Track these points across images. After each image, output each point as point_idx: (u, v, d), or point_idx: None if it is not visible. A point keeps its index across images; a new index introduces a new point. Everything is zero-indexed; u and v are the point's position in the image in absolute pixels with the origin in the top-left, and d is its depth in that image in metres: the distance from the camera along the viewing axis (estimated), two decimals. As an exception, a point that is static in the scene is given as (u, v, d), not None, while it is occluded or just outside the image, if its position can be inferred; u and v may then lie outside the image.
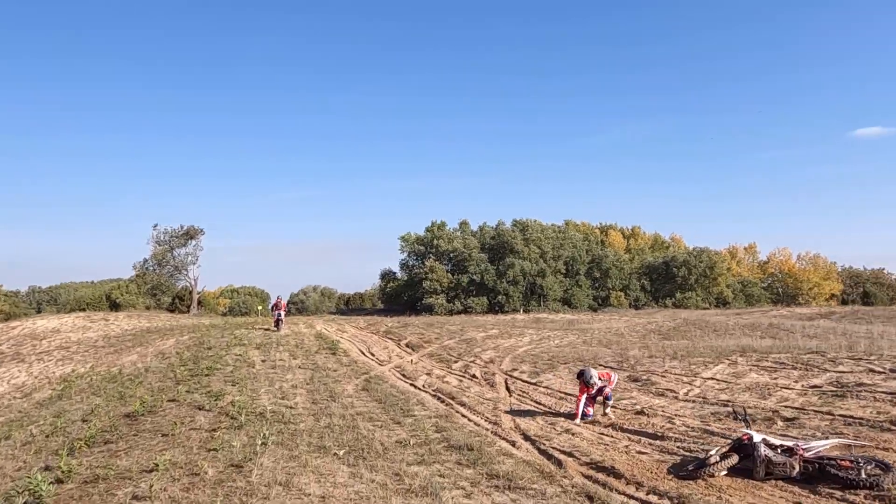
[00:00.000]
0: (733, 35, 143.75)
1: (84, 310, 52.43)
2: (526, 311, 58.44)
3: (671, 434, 9.39)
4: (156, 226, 62.42)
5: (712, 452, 7.28)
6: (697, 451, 8.43)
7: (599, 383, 10.87)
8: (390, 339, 25.52)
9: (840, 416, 9.40)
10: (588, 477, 7.41)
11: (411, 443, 9.45)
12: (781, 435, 8.36)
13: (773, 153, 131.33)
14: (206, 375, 16.22)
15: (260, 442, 9.19)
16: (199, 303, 61.78)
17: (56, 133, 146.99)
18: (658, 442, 9.11)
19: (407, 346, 23.45)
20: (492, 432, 10.27)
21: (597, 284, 68.93)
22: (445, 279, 64.06)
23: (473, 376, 16.79)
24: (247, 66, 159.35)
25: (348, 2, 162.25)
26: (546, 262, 65.15)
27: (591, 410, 11.07)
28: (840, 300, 79.14)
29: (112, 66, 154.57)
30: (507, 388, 14.83)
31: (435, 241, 67.33)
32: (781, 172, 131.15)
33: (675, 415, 10.64)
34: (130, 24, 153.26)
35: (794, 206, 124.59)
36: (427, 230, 69.82)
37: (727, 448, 7.46)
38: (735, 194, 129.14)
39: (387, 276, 74.41)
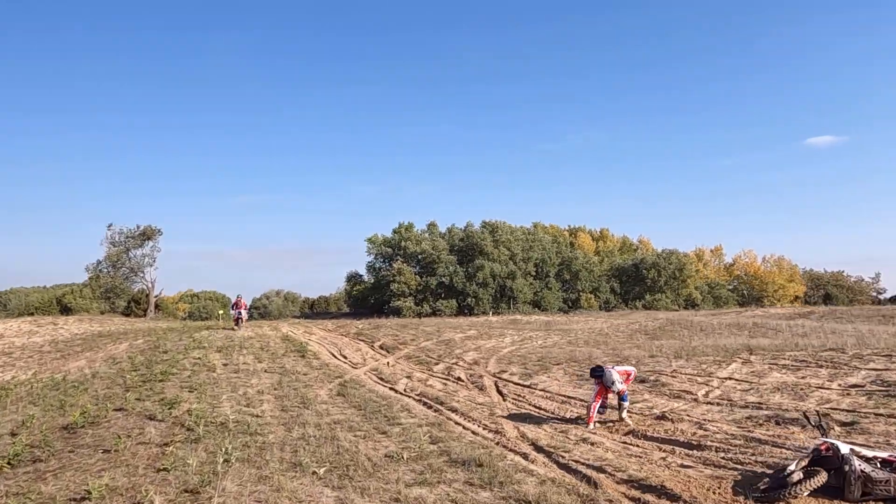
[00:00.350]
0: (699, 40, 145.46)
1: (32, 314, 49.28)
2: (496, 314, 57.20)
3: (709, 443, 8.06)
4: (110, 226, 59.02)
5: (791, 468, 5.91)
6: (750, 462, 7.11)
7: (620, 386, 9.55)
8: (362, 341, 23.87)
9: None
10: (636, 500, 5.99)
11: (405, 457, 7.93)
12: (867, 445, 7.07)
13: (735, 159, 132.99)
14: (161, 381, 14.43)
15: (222, 459, 7.57)
16: (157, 307, 58.82)
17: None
18: (697, 452, 7.76)
19: (381, 348, 21.85)
20: (496, 443, 8.81)
21: (567, 286, 68.16)
22: (414, 281, 62.43)
23: (458, 379, 15.32)
24: (215, 59, 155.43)
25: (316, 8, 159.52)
26: (516, 264, 64.05)
27: (599, 407, 9.95)
28: (803, 301, 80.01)
29: (55, 65, 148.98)
30: (500, 392, 13.40)
31: (403, 243, 65.64)
32: (742, 177, 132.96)
33: (704, 419, 9.33)
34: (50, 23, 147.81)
35: (756, 209, 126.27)
36: (394, 232, 68.11)
37: (806, 462, 6.10)
38: (700, 197, 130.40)
39: (353, 278, 72.41)
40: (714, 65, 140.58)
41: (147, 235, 57.86)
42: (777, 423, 8.64)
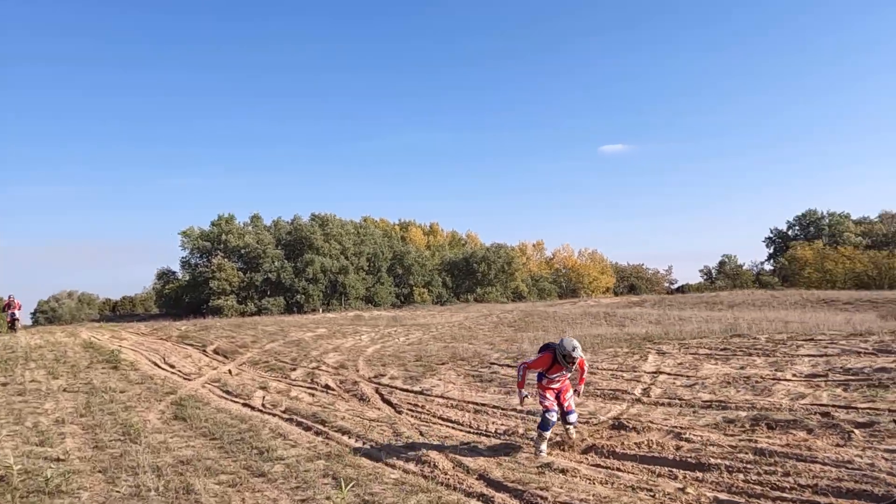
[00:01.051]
0: (510, 45, 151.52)
1: None
2: (328, 311, 53.91)
3: (712, 461, 6.28)
4: None
5: None
6: (795, 488, 5.38)
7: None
8: (190, 345, 19.89)
9: None
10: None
11: (318, 521, 5.21)
12: None
13: (548, 161, 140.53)
14: None
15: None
16: None
17: None
18: (711, 477, 5.93)
19: (216, 353, 18.17)
20: (435, 480, 6.34)
21: (399, 281, 66.58)
22: (236, 278, 57.02)
23: (328, 388, 12.54)
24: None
25: None
26: (348, 258, 61.09)
27: (553, 410, 7.19)
28: (613, 292, 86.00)
29: None
30: (388, 402, 10.89)
31: (223, 237, 59.67)
32: (555, 178, 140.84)
33: (674, 427, 7.60)
34: None
35: (569, 207, 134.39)
36: (213, 224, 61.72)
37: None
38: (519, 197, 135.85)
39: (165, 276, 64.75)
40: (526, 72, 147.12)
41: None
42: (770, 427, 7.13)
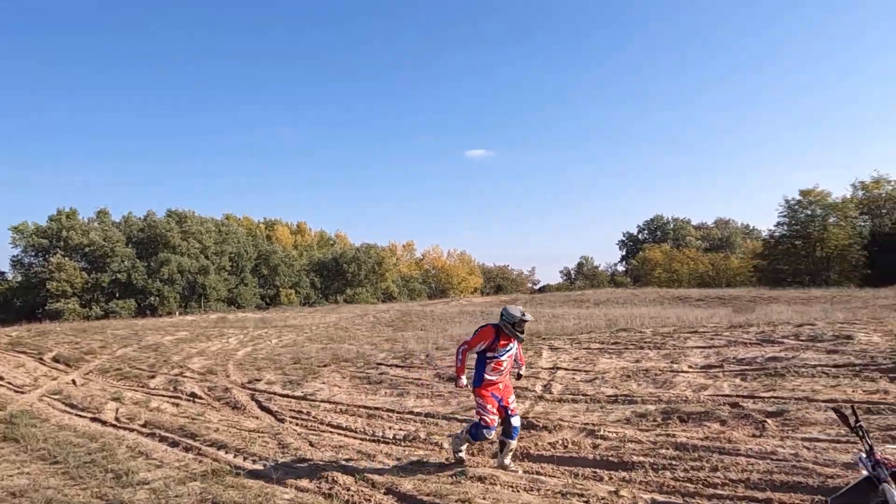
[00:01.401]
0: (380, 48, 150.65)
1: None
2: (185, 314, 50.17)
3: (634, 458, 5.95)
4: None
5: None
6: (727, 484, 5.12)
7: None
8: (23, 353, 17.27)
9: (837, 401, 7.08)
10: None
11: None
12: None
13: (416, 167, 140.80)
14: None
15: None
16: None
17: None
18: (635, 474, 5.58)
19: (57, 361, 15.85)
20: (340, 500, 5.50)
21: (264, 282, 63.65)
22: (79, 279, 51.72)
23: (195, 396, 11.14)
24: None
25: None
26: (208, 258, 57.42)
27: (493, 427, 6.11)
28: (481, 293, 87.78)
29: None
30: (267, 410, 9.77)
31: (64, 233, 53.84)
32: (422, 182, 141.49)
33: (585, 424, 7.22)
34: None
35: (436, 210, 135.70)
36: (52, 220, 55.45)
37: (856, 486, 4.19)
38: (389, 198, 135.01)
39: (-10, 277, 57.46)
40: (393, 78, 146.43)
41: None
42: (682, 420, 6.95)
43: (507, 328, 6.04)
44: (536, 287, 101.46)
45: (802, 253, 51.92)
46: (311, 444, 7.52)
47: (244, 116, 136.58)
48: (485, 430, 6.06)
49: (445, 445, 6.96)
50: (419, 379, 11.00)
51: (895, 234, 44.33)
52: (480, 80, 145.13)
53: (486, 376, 6.13)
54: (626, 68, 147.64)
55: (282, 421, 9.05)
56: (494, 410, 6.11)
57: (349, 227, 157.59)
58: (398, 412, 8.87)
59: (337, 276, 68.34)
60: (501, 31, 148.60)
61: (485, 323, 6.65)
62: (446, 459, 6.53)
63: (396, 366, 12.29)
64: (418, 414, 8.64)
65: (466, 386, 6.24)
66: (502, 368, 6.15)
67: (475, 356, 6.25)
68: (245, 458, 7.03)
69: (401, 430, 8.01)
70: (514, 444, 6.20)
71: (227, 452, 7.32)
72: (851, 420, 4.33)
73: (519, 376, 6.74)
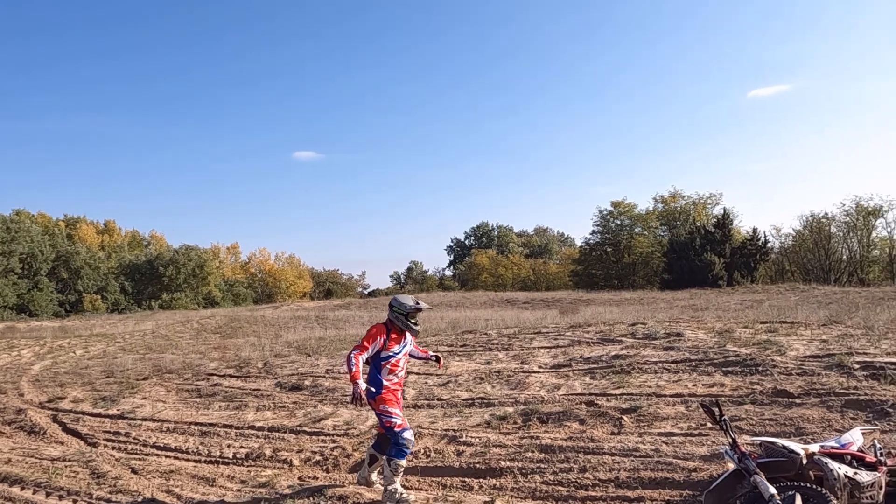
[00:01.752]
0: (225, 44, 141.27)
1: None
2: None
3: (504, 463, 5.76)
4: None
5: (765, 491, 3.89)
6: (596, 483, 5.06)
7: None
8: None
9: (682, 396, 7.29)
10: None
11: None
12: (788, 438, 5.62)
13: (240, 167, 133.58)
14: None
15: None
16: None
17: None
18: (505, 481, 5.36)
19: None
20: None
21: (64, 287, 56.86)
22: None
23: (-23, 421, 9.30)
24: None
25: None
26: (-7, 258, 50.08)
27: (409, 427, 5.38)
28: (310, 297, 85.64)
29: None
30: (76, 434, 8.39)
31: None
32: (248, 182, 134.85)
33: (446, 430, 6.92)
34: None
35: (263, 211, 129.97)
36: None
37: (729, 477, 4.27)
38: (210, 197, 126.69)
39: None
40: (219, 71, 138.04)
41: None
42: (542, 421, 6.86)
43: (400, 321, 5.33)
44: (367, 291, 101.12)
45: (613, 259, 57.01)
46: (134, 471, 6.45)
47: (33, 101, 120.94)
48: (404, 435, 5.14)
49: (369, 495, 5.40)
50: (258, 389, 10.08)
51: (688, 243, 49.79)
52: (297, 79, 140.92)
53: (385, 381, 5.31)
54: (454, 83, 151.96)
55: (94, 445, 7.77)
56: (401, 412, 5.36)
57: (166, 227, 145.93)
58: (237, 427, 7.98)
59: (152, 279, 62.86)
60: (322, 27, 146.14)
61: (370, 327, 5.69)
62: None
63: (231, 376, 11.19)
64: (261, 428, 7.82)
65: (363, 395, 5.15)
66: (398, 370, 5.40)
67: (366, 364, 5.38)
68: (48, 495, 5.83)
69: (242, 447, 7.17)
70: (384, 458, 5.35)
71: (23, 489, 6.05)
72: (717, 414, 4.42)
73: (438, 359, 5.85)
